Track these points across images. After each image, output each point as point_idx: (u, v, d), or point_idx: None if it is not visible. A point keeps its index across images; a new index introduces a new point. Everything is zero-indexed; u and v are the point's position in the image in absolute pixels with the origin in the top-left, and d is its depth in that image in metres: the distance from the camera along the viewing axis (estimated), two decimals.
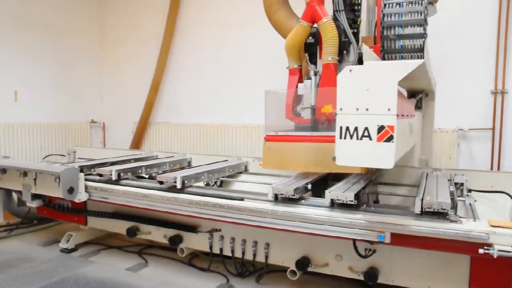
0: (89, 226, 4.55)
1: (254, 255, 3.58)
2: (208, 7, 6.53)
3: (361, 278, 3.14)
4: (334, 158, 2.42)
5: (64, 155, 6.08)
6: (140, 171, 4.32)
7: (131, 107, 7.28)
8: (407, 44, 3.08)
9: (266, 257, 3.53)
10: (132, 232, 4.16)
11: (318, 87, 3.61)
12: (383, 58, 3.17)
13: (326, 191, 2.98)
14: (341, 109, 2.39)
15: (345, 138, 2.38)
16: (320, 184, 3.51)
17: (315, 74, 3.69)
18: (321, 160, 3.21)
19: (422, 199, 2.69)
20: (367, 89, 2.31)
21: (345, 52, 3.59)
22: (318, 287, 3.57)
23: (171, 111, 7.05)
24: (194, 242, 3.88)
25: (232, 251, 3.67)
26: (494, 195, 3.57)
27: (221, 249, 3.73)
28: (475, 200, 3.11)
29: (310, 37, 3.65)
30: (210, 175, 4.09)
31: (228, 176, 4.45)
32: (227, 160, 4.71)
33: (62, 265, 3.99)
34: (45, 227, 5.31)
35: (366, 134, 2.32)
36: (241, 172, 4.61)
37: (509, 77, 4.95)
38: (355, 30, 3.79)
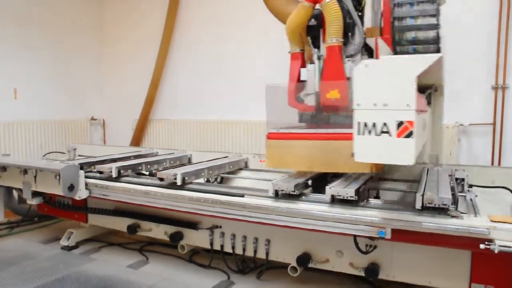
0: (90, 223, 4.55)
1: (255, 252, 3.58)
2: (208, 3, 6.51)
3: (362, 274, 3.14)
4: (352, 154, 2.36)
5: (64, 153, 6.08)
6: (140, 168, 4.32)
7: (131, 104, 7.27)
8: (420, 36, 2.97)
9: (267, 254, 3.53)
10: (132, 229, 4.16)
11: (324, 70, 3.38)
12: (395, 51, 3.06)
13: (327, 187, 2.97)
14: (358, 104, 2.33)
15: (363, 134, 2.32)
16: (321, 180, 3.50)
17: (319, 58, 3.47)
18: (327, 159, 3.08)
19: (423, 195, 2.67)
20: (385, 83, 2.27)
21: (350, 34, 3.37)
22: (319, 283, 3.57)
23: (171, 107, 7.04)
24: (195, 238, 3.88)
25: (233, 248, 3.67)
26: (495, 190, 3.56)
27: (221, 246, 3.73)
28: (476, 196, 3.11)
29: (313, 19, 3.42)
30: (211, 172, 4.09)
31: (229, 173, 4.45)
32: (227, 157, 4.70)
33: (63, 263, 4.00)
34: (46, 224, 5.32)
35: (385, 130, 2.27)
36: (241, 169, 4.60)
37: (510, 72, 4.94)
38: (360, 13, 3.55)
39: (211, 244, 3.76)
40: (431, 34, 2.98)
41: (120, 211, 4.17)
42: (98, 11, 7.67)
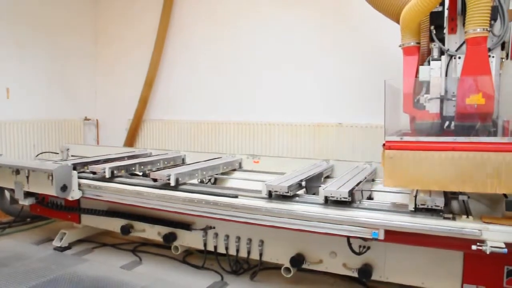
0: (83, 224, 4.53)
1: (249, 253, 3.58)
2: (203, 3, 6.49)
3: (355, 275, 3.15)
4: None
5: (57, 153, 6.05)
6: (133, 168, 4.30)
7: (125, 104, 7.23)
8: None
9: (261, 255, 3.54)
10: (126, 229, 4.15)
11: (463, 69, 2.73)
12: None
13: (320, 188, 2.98)
14: None
15: None
16: (314, 181, 3.51)
17: (442, 53, 2.89)
18: (472, 176, 2.47)
19: (415, 196, 2.69)
20: None
21: (492, 22, 2.70)
22: (312, 284, 3.57)
23: (165, 108, 7.02)
24: (188, 239, 3.87)
25: (226, 249, 3.67)
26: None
27: (215, 247, 3.73)
28: (468, 197, 3.12)
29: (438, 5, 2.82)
30: (204, 172, 4.08)
31: (222, 173, 4.44)
32: (221, 157, 4.70)
33: (56, 264, 3.97)
34: (38, 225, 5.29)
35: None
36: (235, 169, 4.60)
37: None
38: None
39: (205, 245, 3.76)
40: None
41: (113, 211, 4.15)
42: (92, 10, 7.63)
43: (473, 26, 2.63)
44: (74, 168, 3.98)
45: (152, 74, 6.88)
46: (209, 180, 4.42)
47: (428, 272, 2.94)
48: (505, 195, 2.86)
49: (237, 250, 3.63)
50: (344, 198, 2.86)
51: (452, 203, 2.95)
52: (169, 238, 3.89)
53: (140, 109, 6.99)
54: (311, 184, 3.39)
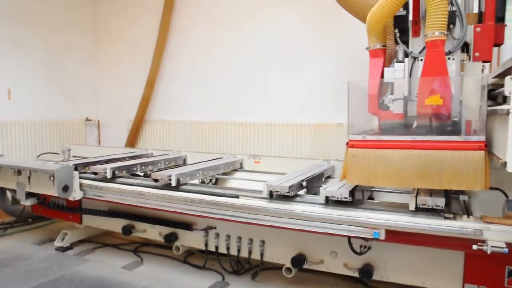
0: (84, 224, 4.54)
1: (250, 253, 3.59)
2: (204, 3, 6.51)
3: (356, 275, 3.15)
4: (504, 164, 1.99)
5: (58, 153, 6.06)
6: (135, 169, 4.31)
7: (126, 105, 7.25)
8: None
9: (262, 255, 3.54)
10: (127, 230, 4.15)
11: (423, 70, 2.84)
12: None
13: (321, 188, 2.99)
14: None
15: None
16: (315, 181, 3.51)
17: (407, 55, 2.99)
18: (429, 173, 2.56)
19: (416, 196, 2.69)
20: None
21: (451, 26, 2.83)
22: (313, 284, 3.57)
23: (167, 108, 7.03)
24: (190, 239, 3.88)
25: (228, 249, 3.67)
26: (487, 191, 3.57)
27: (216, 247, 3.73)
28: (469, 197, 3.12)
29: (401, 9, 2.90)
30: (205, 173, 4.09)
31: (223, 174, 4.45)
32: (222, 158, 4.71)
33: (57, 264, 3.98)
34: (40, 225, 5.30)
35: None
36: (236, 170, 4.61)
37: None
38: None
39: (206, 245, 3.76)
40: None
41: (114, 212, 4.16)
42: (93, 9, 7.64)
43: (432, 30, 2.73)
44: (76, 169, 3.99)
45: (154, 74, 6.89)
46: (210, 180, 4.44)
47: (429, 272, 2.94)
48: (505, 195, 2.87)
49: (238, 250, 3.63)
50: (345, 198, 2.87)
51: (453, 203, 2.96)
52: (170, 238, 3.89)
53: (142, 109, 7.01)
54: (312, 184, 3.39)
